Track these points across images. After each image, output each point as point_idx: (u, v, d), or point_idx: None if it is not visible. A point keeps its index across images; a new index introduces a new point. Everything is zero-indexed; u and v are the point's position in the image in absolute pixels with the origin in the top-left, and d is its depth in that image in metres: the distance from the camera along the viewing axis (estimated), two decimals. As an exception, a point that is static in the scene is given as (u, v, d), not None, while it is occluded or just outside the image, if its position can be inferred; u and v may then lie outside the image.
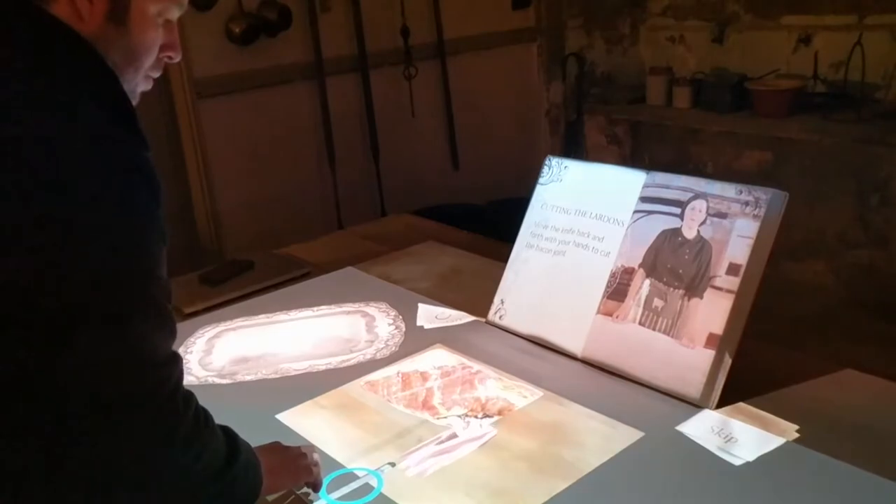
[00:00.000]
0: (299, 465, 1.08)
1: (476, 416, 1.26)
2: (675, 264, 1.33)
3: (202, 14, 2.90)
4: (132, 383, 0.82)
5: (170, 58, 0.99)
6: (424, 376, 1.40)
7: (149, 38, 0.93)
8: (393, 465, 1.15)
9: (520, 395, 1.32)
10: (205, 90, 2.96)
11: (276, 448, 1.10)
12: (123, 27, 0.90)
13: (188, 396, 0.90)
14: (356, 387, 1.38)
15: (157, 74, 0.99)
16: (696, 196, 1.34)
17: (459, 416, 1.26)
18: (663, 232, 1.36)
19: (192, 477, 0.88)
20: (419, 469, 1.14)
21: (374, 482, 1.12)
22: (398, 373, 1.41)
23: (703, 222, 1.31)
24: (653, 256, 1.36)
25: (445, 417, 1.27)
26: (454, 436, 1.22)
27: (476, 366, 1.42)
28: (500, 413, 1.27)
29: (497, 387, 1.35)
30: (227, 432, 0.98)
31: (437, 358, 1.46)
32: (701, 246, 1.30)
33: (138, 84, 0.96)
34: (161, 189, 0.88)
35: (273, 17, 3.05)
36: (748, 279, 1.25)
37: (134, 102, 0.95)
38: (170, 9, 0.95)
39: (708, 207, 1.32)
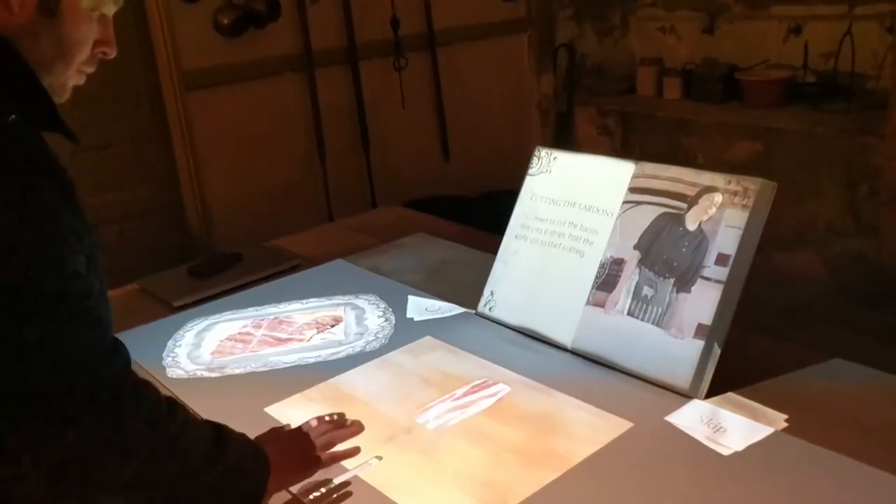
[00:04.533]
0: (308, 457, 1.07)
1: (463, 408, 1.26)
2: (671, 255, 1.32)
3: (190, 5, 2.88)
4: (65, 384, 0.80)
5: (104, 53, 0.97)
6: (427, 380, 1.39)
7: (81, 31, 0.92)
8: (380, 458, 1.15)
9: (510, 386, 1.32)
10: (193, 82, 2.94)
11: (280, 437, 1.08)
12: (55, 20, 0.89)
13: (140, 392, 0.88)
14: (346, 379, 1.38)
15: (90, 70, 0.97)
16: (712, 189, 1.31)
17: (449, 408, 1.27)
18: (663, 216, 1.35)
19: (162, 472, 0.87)
20: (438, 423, 1.21)
21: (364, 475, 1.12)
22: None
23: (710, 218, 1.29)
24: (648, 243, 1.36)
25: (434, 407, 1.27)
26: (470, 392, 1.29)
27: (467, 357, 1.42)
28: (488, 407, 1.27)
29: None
30: (216, 426, 0.97)
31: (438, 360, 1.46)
32: (701, 239, 1.29)
33: (69, 78, 0.95)
34: (71, 182, 0.86)
35: (262, 8, 3.02)
36: (737, 269, 1.25)
37: (64, 97, 0.95)
38: (104, 3, 0.94)
39: (721, 202, 1.29)
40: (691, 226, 1.31)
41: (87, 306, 0.85)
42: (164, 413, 0.90)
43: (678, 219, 1.33)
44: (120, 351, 0.87)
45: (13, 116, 0.83)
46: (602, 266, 1.40)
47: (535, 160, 1.59)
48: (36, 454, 0.81)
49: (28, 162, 0.82)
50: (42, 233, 0.81)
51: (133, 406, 0.85)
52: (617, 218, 1.41)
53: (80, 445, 0.81)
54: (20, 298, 0.78)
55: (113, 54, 0.98)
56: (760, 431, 1.14)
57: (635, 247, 1.37)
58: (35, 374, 0.79)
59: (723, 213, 1.28)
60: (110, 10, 0.95)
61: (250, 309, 1.70)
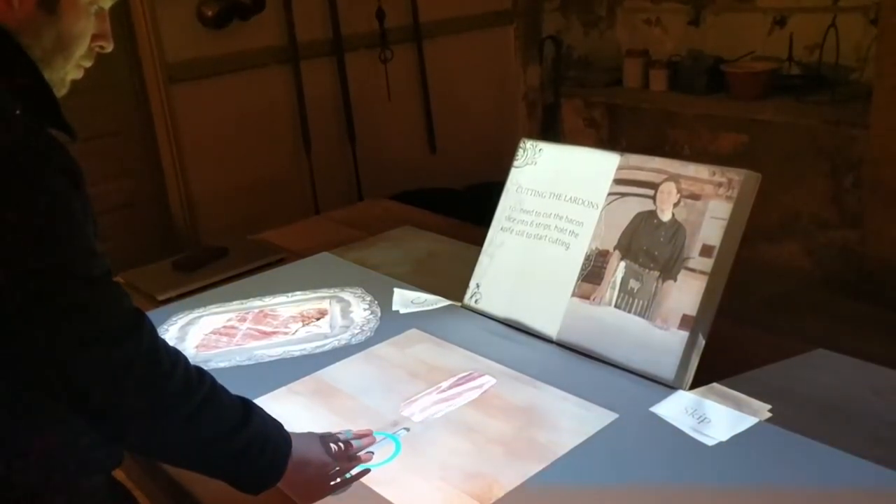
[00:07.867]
0: (328, 450, 1.08)
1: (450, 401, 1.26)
2: (650, 246, 1.33)
3: (173, -4, 2.86)
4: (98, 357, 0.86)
5: (101, 47, 0.98)
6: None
7: (80, 26, 0.93)
8: (407, 429, 1.19)
9: (494, 378, 1.32)
10: (177, 74, 2.91)
11: (300, 434, 1.08)
12: (54, 15, 0.90)
13: (171, 352, 0.93)
14: (331, 372, 1.38)
15: (88, 64, 0.98)
16: (667, 179, 1.34)
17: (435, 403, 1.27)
18: (639, 214, 1.36)
19: (191, 436, 0.93)
20: (424, 416, 1.22)
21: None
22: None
23: (677, 204, 1.31)
24: (628, 239, 1.36)
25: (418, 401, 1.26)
26: (456, 385, 1.30)
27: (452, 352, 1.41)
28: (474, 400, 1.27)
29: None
30: (242, 397, 1.01)
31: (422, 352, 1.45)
32: (676, 228, 1.30)
33: (68, 73, 0.96)
34: (81, 173, 0.89)
35: (246, -1, 3.00)
36: (721, 260, 1.25)
37: (62, 91, 0.96)
38: None
39: (679, 189, 1.32)
40: (664, 217, 1.32)
41: (112, 281, 0.90)
42: (194, 375, 0.94)
43: (651, 211, 1.34)
44: (145, 317, 0.92)
45: (18, 111, 0.85)
46: (587, 258, 1.40)
47: (520, 152, 1.58)
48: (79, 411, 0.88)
49: (38, 154, 0.84)
50: (61, 218, 0.85)
51: (169, 365, 0.91)
52: (602, 210, 1.41)
53: (119, 403, 0.87)
54: (52, 281, 0.83)
55: (110, 48, 0.99)
56: (744, 422, 1.15)
57: (619, 238, 1.37)
58: (77, 345, 0.85)
59: (707, 203, 1.28)
60: (107, 3, 0.96)
61: (235, 302, 1.69)
